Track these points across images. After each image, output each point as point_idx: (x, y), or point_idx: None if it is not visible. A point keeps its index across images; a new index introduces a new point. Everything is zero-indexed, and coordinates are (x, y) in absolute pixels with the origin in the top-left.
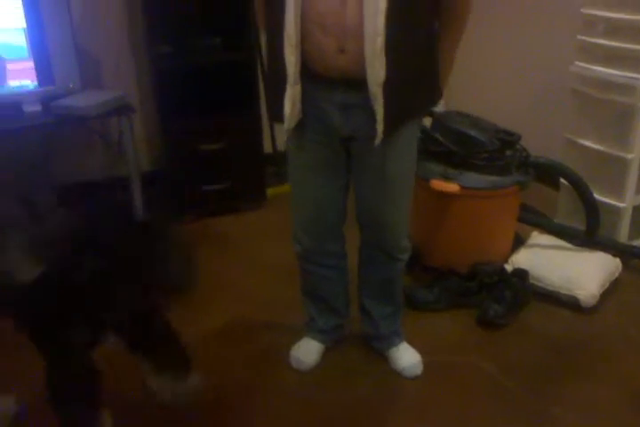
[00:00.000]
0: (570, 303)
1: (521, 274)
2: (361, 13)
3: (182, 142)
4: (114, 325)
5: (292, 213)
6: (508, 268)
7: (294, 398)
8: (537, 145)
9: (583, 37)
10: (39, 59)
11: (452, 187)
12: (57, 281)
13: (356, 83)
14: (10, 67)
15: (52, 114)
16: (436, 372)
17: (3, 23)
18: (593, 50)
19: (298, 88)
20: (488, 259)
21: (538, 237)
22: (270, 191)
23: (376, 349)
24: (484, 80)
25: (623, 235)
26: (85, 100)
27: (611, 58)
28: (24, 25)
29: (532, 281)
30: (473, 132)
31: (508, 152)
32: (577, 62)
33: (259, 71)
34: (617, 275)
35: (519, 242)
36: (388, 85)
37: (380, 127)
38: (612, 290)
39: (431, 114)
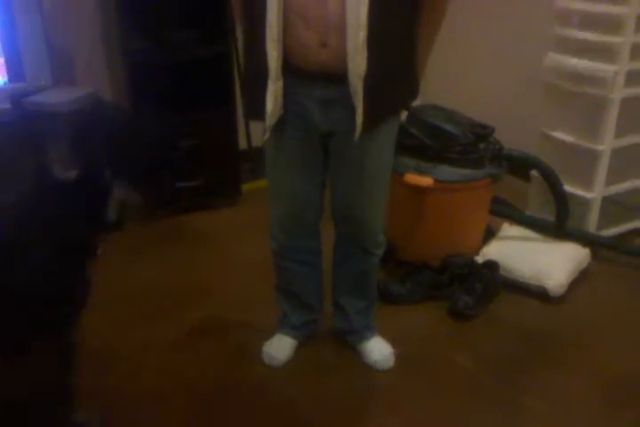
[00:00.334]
0: (539, 293)
1: (491, 265)
2: (343, 7)
3: (155, 138)
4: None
5: (267, 209)
6: (479, 260)
7: (267, 393)
8: (510, 138)
9: (557, 29)
10: (9, 55)
11: (426, 180)
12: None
13: (336, 77)
14: None
15: (23, 111)
16: (409, 364)
17: None
18: (567, 42)
19: (280, 84)
20: (460, 251)
21: (508, 229)
22: (245, 187)
23: (349, 343)
24: (459, 73)
25: (592, 225)
26: (56, 97)
27: (584, 50)
28: None
29: (502, 272)
30: (447, 126)
31: (482, 145)
32: (551, 54)
33: (235, 66)
34: (586, 265)
35: (490, 234)
36: (369, 79)
37: (359, 121)
38: (581, 279)
39: (407, 108)
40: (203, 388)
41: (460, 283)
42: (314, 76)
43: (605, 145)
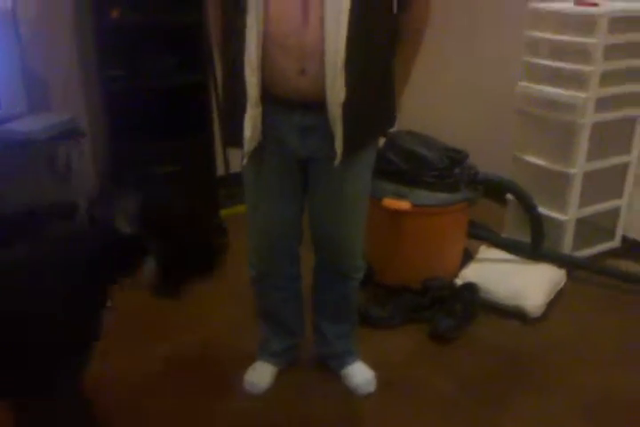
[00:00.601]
0: (517, 314)
1: (471, 287)
2: (322, 35)
3: (134, 166)
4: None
5: (246, 234)
6: (458, 282)
7: (250, 421)
8: (485, 162)
9: (527, 58)
10: None
11: (404, 205)
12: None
13: (314, 105)
14: None
15: None
16: (390, 388)
17: None
18: (537, 70)
19: (259, 110)
20: (439, 274)
21: (486, 252)
22: (224, 213)
23: (330, 367)
24: (434, 100)
25: (567, 247)
26: (32, 124)
27: (553, 78)
28: None
29: (480, 294)
30: (423, 151)
31: (457, 170)
32: (521, 82)
33: (212, 93)
34: (562, 285)
35: (468, 257)
36: (348, 106)
37: (339, 148)
38: (557, 300)
39: (381, 135)
40: (183, 417)
41: (441, 305)
42: (293, 104)
43: (577, 169)
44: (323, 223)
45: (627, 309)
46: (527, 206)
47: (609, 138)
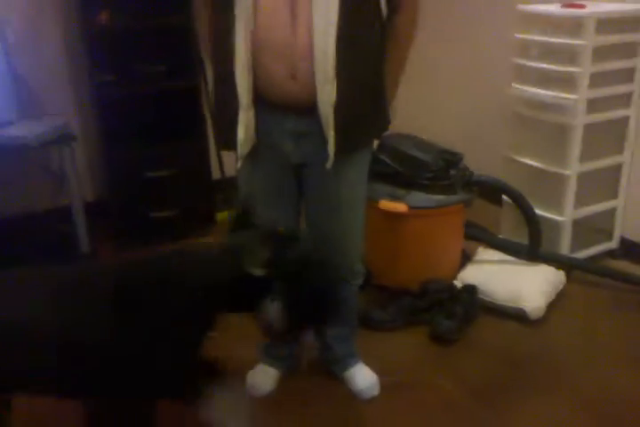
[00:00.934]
0: (517, 316)
1: (470, 289)
2: (311, 39)
3: (127, 170)
4: None
5: None
6: (457, 284)
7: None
8: (480, 164)
9: (519, 61)
10: None
11: (400, 207)
12: None
13: (307, 110)
14: None
15: None
16: (392, 391)
17: None
18: (528, 72)
19: (251, 113)
20: (438, 276)
21: (483, 253)
22: (220, 216)
23: (332, 371)
24: (428, 103)
25: (564, 248)
26: (24, 130)
27: (545, 80)
28: None
29: (479, 296)
30: (418, 154)
31: (452, 171)
32: (514, 85)
33: (204, 98)
34: (561, 287)
35: (466, 258)
36: (339, 108)
37: (331, 150)
38: (557, 301)
39: (375, 138)
40: (182, 422)
41: (440, 307)
42: (285, 109)
43: (571, 170)
44: (319, 227)
45: (626, 309)
46: (523, 208)
47: (602, 139)
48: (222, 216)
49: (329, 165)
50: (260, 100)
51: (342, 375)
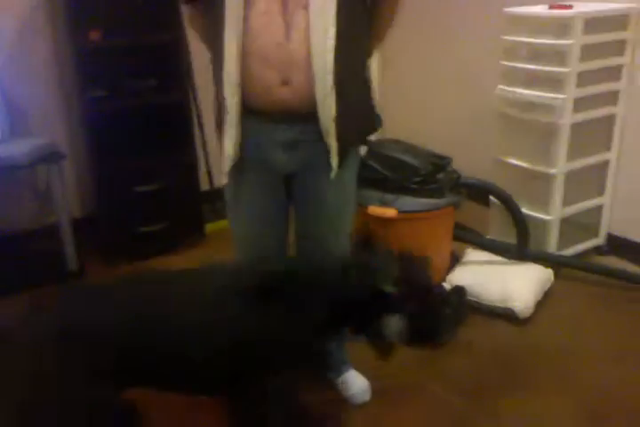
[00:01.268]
0: (506, 316)
1: (459, 291)
2: (306, 48)
3: (117, 185)
4: None
5: (232, 247)
6: (446, 286)
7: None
8: (469, 166)
9: (506, 62)
10: None
11: (390, 212)
12: None
13: (298, 117)
14: None
15: None
16: (384, 396)
17: None
18: (515, 73)
19: (238, 130)
20: None
21: (472, 254)
22: (209, 227)
23: (324, 378)
24: (415, 107)
25: (552, 246)
26: (13, 149)
27: (533, 80)
28: None
29: (468, 297)
30: (406, 158)
31: (441, 175)
32: (501, 86)
33: (193, 111)
34: (550, 285)
35: (455, 260)
36: (340, 120)
37: (334, 161)
38: (545, 299)
39: (365, 142)
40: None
41: None
42: (276, 118)
43: (559, 169)
44: (310, 234)
45: (614, 305)
46: (510, 208)
47: (588, 137)
48: (212, 228)
49: (333, 174)
50: (250, 110)
51: (335, 381)
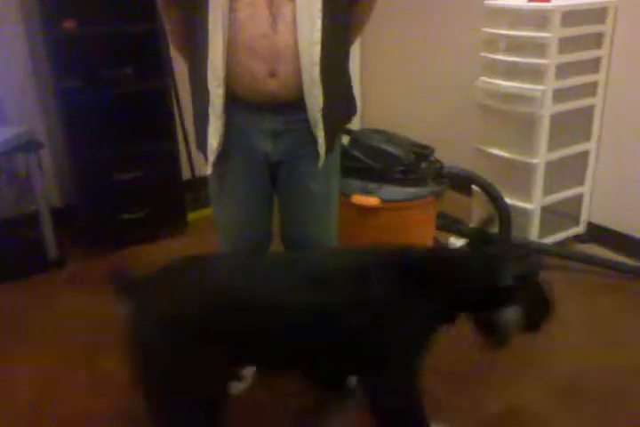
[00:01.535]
0: None
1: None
2: (293, 39)
3: (96, 173)
4: None
5: (214, 236)
6: None
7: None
8: (451, 156)
9: (486, 54)
10: None
11: (373, 201)
12: None
13: (284, 108)
14: None
15: None
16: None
17: None
18: (495, 65)
19: (222, 121)
20: None
21: (455, 243)
22: (191, 216)
23: None
24: (398, 98)
25: (534, 234)
26: None
27: (512, 72)
28: None
29: None
30: (389, 148)
31: (423, 164)
32: (481, 78)
33: (173, 99)
34: None
35: None
36: (326, 110)
37: (322, 150)
38: None
39: (348, 132)
40: None
41: None
42: (262, 108)
43: (539, 158)
44: (295, 223)
45: (594, 292)
46: (492, 197)
47: (568, 127)
48: (194, 216)
49: (321, 162)
50: (236, 100)
51: None
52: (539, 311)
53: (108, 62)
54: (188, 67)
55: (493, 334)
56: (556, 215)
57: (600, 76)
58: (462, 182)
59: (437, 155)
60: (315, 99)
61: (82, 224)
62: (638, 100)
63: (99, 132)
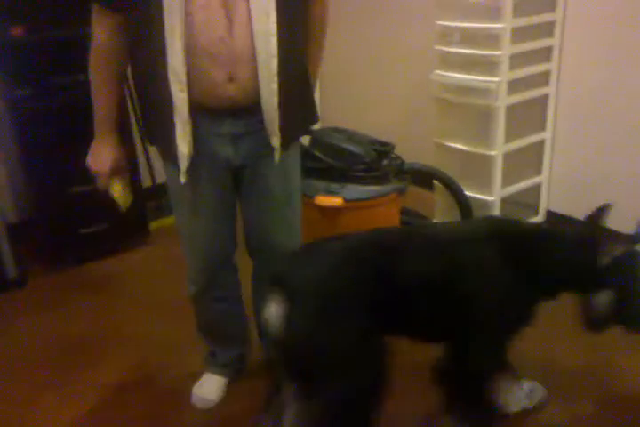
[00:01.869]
0: None
1: None
2: (250, 38)
3: (52, 187)
4: None
5: (177, 245)
6: None
7: None
8: (411, 151)
9: (440, 47)
10: None
11: (336, 201)
12: None
13: (243, 111)
14: None
15: None
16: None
17: None
18: (450, 58)
19: (189, 127)
20: None
21: None
22: (153, 225)
23: None
24: (355, 96)
25: None
26: None
27: (466, 64)
28: None
29: None
30: (349, 146)
31: (385, 162)
32: (436, 71)
33: (129, 106)
34: None
35: None
36: (282, 108)
37: (277, 145)
38: None
39: (308, 132)
40: None
41: None
42: (222, 113)
43: (497, 150)
44: (259, 226)
45: None
46: (453, 191)
47: (524, 118)
48: (156, 225)
49: (277, 158)
50: (196, 107)
51: None
52: (632, 301)
53: (58, 69)
54: (135, 75)
55: (590, 318)
56: (516, 206)
57: (552, 65)
58: (424, 178)
59: (398, 151)
60: (271, 95)
61: (40, 240)
62: (590, 87)
63: (52, 142)
